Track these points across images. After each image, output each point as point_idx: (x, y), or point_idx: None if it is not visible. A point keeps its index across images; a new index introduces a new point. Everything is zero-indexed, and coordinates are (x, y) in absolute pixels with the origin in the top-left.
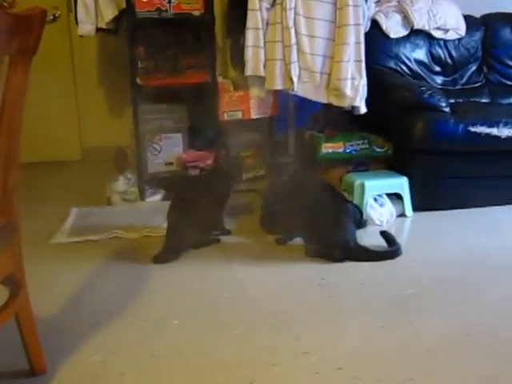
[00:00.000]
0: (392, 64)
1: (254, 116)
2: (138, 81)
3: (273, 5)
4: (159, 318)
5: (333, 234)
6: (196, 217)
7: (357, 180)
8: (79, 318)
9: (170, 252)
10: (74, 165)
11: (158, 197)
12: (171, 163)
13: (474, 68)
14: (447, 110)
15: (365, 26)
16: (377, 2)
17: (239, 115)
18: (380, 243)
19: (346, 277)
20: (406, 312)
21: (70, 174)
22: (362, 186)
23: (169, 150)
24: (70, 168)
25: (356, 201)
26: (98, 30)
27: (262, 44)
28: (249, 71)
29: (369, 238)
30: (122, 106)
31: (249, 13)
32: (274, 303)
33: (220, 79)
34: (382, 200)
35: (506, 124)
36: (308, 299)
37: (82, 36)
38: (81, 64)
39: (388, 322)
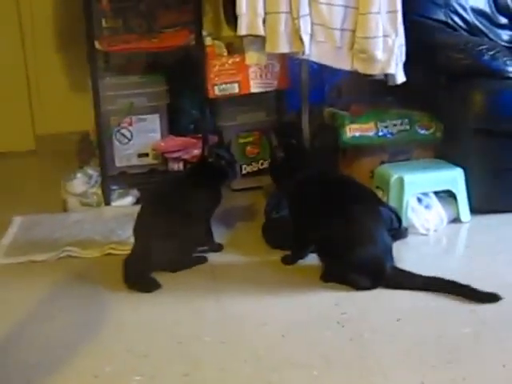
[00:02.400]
0: (441, 15)
1: (254, 90)
2: (98, 45)
3: None
4: (116, 372)
5: (359, 251)
6: (174, 228)
7: (394, 174)
8: (2, 374)
9: (136, 279)
10: (25, 157)
11: (128, 200)
12: (146, 154)
13: None
14: None
15: None
16: None
17: (235, 89)
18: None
19: (375, 311)
20: (458, 362)
21: (17, 170)
22: (401, 181)
23: (142, 136)
24: (17, 162)
25: (393, 202)
26: None
27: None
28: (243, 29)
29: (410, 252)
30: (85, 78)
31: None
32: (274, 351)
33: (209, 41)
34: (428, 200)
35: None
36: (323, 344)
37: None
38: (31, 22)
39: (434, 377)
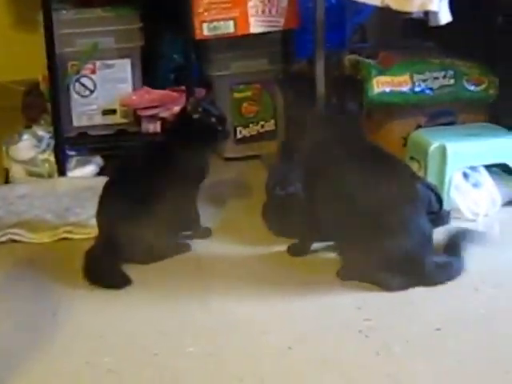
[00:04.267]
0: None
1: (254, 29)
2: None
3: None
4: None
5: (388, 242)
6: (150, 208)
7: (434, 141)
8: None
9: (100, 273)
10: None
11: (89, 169)
12: (112, 111)
13: None
14: None
15: None
16: None
17: (230, 28)
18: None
19: (408, 317)
20: None
21: None
22: (443, 151)
23: (109, 87)
24: None
25: (431, 178)
26: None
27: None
28: None
29: None
30: (36, 10)
31: None
32: (278, 368)
33: None
34: (477, 177)
35: None
36: (341, 359)
37: None
38: None
39: None
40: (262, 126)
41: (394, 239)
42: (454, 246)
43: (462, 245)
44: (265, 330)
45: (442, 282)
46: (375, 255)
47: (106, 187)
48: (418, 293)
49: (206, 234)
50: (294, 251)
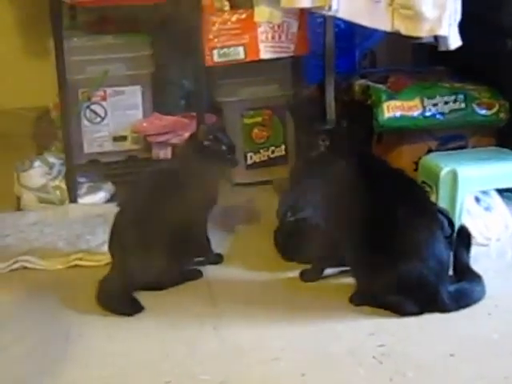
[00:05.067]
0: None
1: (264, 55)
2: None
3: None
4: None
5: (403, 267)
6: (162, 236)
7: (445, 166)
8: None
9: (113, 299)
10: None
11: (100, 196)
12: (123, 137)
13: None
14: None
15: None
16: None
17: (240, 54)
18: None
19: (421, 343)
20: None
21: None
22: (455, 175)
23: (120, 114)
24: None
25: (443, 202)
26: None
27: None
28: None
29: None
30: (47, 37)
31: None
32: None
33: None
34: (488, 201)
35: None
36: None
37: None
38: None
39: None
40: (273, 152)
41: (409, 264)
42: (471, 271)
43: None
44: (277, 356)
45: (456, 310)
46: (389, 279)
47: (118, 216)
48: (431, 318)
49: (218, 259)
50: (306, 277)
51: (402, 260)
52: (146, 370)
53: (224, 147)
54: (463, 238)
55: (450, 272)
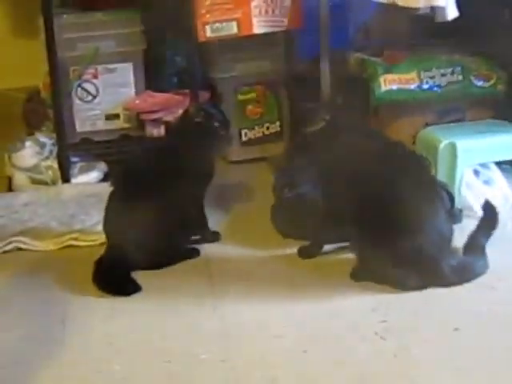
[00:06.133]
0: None
1: (258, 30)
2: None
3: None
4: None
5: (404, 241)
6: (157, 214)
7: (443, 139)
8: None
9: (110, 279)
10: None
11: (93, 175)
12: (116, 116)
13: None
14: None
15: None
16: None
17: (233, 29)
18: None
19: (425, 317)
20: None
21: None
22: (453, 148)
23: (111, 92)
24: None
25: (442, 176)
26: None
27: None
28: None
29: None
30: (35, 15)
31: None
32: (293, 372)
33: None
34: (488, 174)
35: None
36: (357, 362)
37: None
38: None
39: None
40: (268, 128)
41: (410, 238)
42: (477, 245)
43: (484, 244)
44: (279, 333)
45: (458, 284)
46: (390, 254)
47: (112, 195)
48: (434, 293)
49: (215, 237)
50: (305, 253)
51: (403, 233)
52: (145, 349)
53: (217, 124)
54: (487, 215)
55: (453, 245)
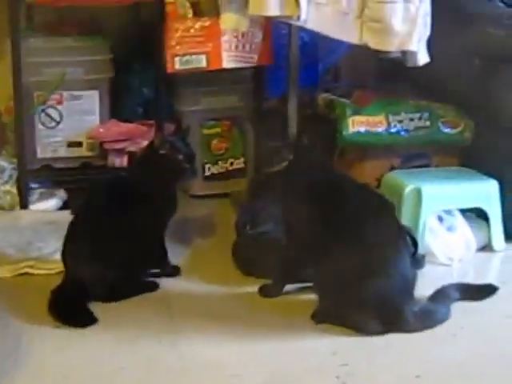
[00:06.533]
0: None
1: (227, 64)
2: None
3: None
4: None
5: (367, 284)
6: (117, 246)
7: (408, 183)
8: None
9: (66, 310)
10: None
11: (52, 202)
12: (78, 143)
13: None
14: None
15: None
16: None
17: (202, 62)
18: None
19: (386, 363)
20: None
21: None
22: (418, 193)
23: (76, 119)
24: None
25: (406, 220)
26: None
27: None
28: None
29: (427, 288)
30: (1, 39)
31: None
32: None
33: None
34: (451, 220)
35: None
36: None
37: None
38: None
39: None
40: (231, 164)
41: (373, 281)
42: (442, 294)
43: (451, 295)
44: (236, 372)
45: (420, 331)
46: (352, 297)
47: (72, 224)
48: (395, 338)
49: (175, 272)
50: (266, 292)
51: (366, 276)
52: None
53: (181, 156)
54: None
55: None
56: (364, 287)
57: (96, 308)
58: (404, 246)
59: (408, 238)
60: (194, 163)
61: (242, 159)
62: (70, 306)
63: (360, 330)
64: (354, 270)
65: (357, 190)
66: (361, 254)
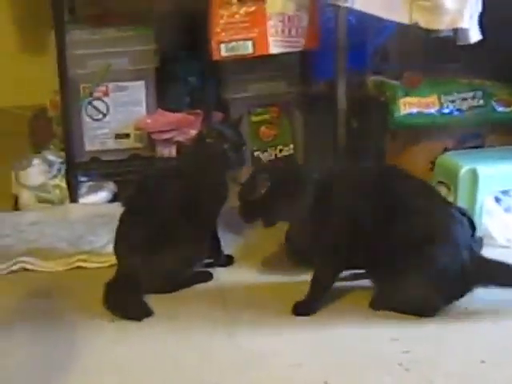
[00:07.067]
0: None
1: (274, 50)
2: None
3: None
4: None
5: (428, 252)
6: (169, 237)
7: (464, 165)
8: None
9: (121, 303)
10: None
11: (101, 195)
12: (126, 135)
13: None
14: None
15: None
16: None
17: (248, 48)
18: None
19: (449, 349)
20: None
21: None
22: (474, 175)
23: (122, 110)
24: None
25: (462, 202)
26: None
27: None
28: None
29: None
30: (43, 32)
31: None
32: None
33: None
34: (509, 201)
35: None
36: None
37: None
38: None
39: None
40: (281, 151)
41: (433, 249)
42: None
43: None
44: (297, 362)
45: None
46: (413, 273)
47: (123, 217)
48: (458, 323)
49: (229, 261)
50: (301, 309)
51: (425, 245)
52: (157, 378)
53: (226, 145)
54: None
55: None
56: (425, 258)
57: (150, 300)
58: (456, 212)
59: (466, 219)
60: (242, 152)
61: (291, 146)
62: (125, 300)
63: (424, 309)
64: (411, 243)
65: (396, 176)
66: (416, 226)
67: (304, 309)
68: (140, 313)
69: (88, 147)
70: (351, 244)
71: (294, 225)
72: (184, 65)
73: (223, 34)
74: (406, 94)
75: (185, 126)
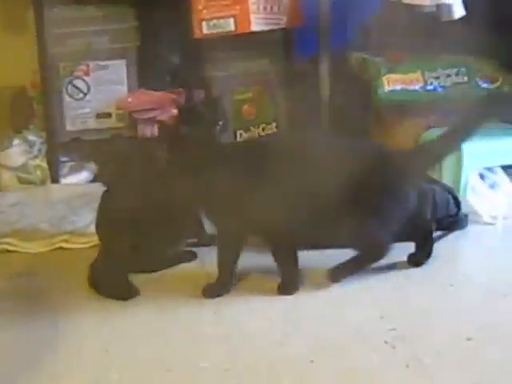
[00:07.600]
0: None
1: (256, 27)
2: None
3: None
4: None
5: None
6: (150, 217)
7: None
8: None
9: (107, 283)
10: None
11: (83, 175)
12: (108, 114)
13: None
14: None
15: None
16: None
17: (230, 26)
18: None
19: (436, 326)
20: None
21: None
22: (459, 152)
23: (103, 90)
24: None
25: (447, 180)
26: None
27: None
28: None
29: (470, 247)
30: (21, 11)
31: None
32: (300, 381)
33: None
34: (494, 178)
35: None
36: (368, 372)
37: None
38: None
39: None
40: (263, 129)
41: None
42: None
43: None
44: (282, 341)
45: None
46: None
47: (105, 195)
48: (443, 300)
49: (212, 240)
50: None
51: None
52: (143, 357)
53: (213, 125)
54: None
55: None
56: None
57: (135, 280)
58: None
59: (450, 197)
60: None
61: (274, 124)
62: (111, 279)
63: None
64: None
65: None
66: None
67: (210, 291)
68: (126, 292)
69: (69, 127)
70: None
71: None
72: (165, 43)
73: (205, 11)
74: (390, 71)
75: (167, 105)
